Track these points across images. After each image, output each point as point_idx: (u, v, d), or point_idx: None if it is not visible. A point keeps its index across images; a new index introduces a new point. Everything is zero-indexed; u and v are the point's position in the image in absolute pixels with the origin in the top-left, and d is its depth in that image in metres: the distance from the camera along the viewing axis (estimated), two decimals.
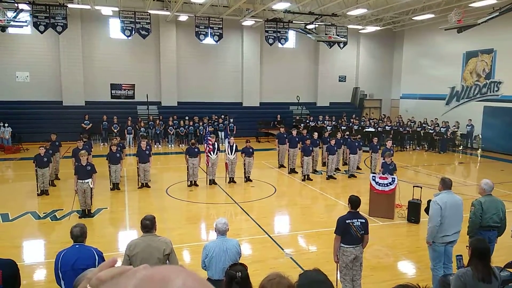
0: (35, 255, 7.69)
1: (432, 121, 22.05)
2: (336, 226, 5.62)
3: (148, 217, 4.72)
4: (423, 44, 25.48)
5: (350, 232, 5.51)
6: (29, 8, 17.67)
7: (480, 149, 20.59)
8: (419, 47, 26.00)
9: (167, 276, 0.61)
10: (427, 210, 6.64)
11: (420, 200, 9.29)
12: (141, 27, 18.99)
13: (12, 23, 17.01)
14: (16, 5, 17.12)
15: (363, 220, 5.61)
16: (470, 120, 21.18)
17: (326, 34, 21.73)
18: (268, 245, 8.07)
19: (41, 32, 18.08)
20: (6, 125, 19.27)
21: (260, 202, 11.37)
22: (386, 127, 22.34)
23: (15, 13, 17.21)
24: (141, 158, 12.35)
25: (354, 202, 5.71)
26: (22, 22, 17.53)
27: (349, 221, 5.54)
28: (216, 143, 13.21)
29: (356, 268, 5.61)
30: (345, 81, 28.94)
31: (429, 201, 6.54)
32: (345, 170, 15.16)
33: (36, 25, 17.61)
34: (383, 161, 11.24)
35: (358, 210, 5.73)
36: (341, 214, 5.99)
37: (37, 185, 11.42)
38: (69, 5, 18.47)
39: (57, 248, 5.02)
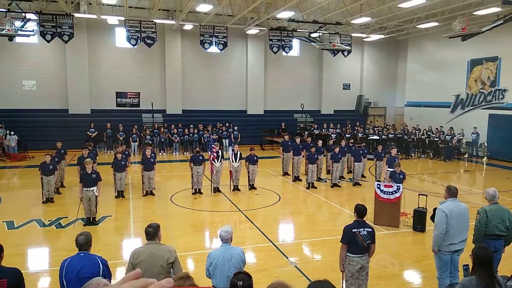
0: (39, 263, 7.71)
1: (437, 129, 21.98)
2: (343, 235, 5.56)
3: (152, 225, 4.73)
4: (427, 52, 25.49)
5: (356, 241, 5.45)
6: (36, 18, 17.89)
7: (485, 157, 20.46)
8: (423, 55, 26.01)
9: None
10: (433, 218, 6.60)
11: (426, 208, 9.23)
12: (146, 36, 19.15)
13: (19, 32, 17.20)
14: (23, 14, 17.33)
15: (370, 229, 5.55)
16: (475, 128, 21.08)
17: (330, 42, 21.80)
18: (273, 253, 8.03)
19: (48, 41, 18.26)
20: (12, 133, 19.41)
21: (264, 210, 11.34)
22: (390, 135, 22.29)
23: (23, 23, 17.42)
24: (145, 166, 12.38)
25: (360, 211, 5.66)
26: (29, 31, 17.73)
27: (355, 230, 5.48)
28: (220, 151, 13.22)
29: (362, 277, 5.55)
30: (349, 89, 28.97)
31: (435, 209, 6.50)
32: (349, 178, 15.11)
33: (43, 34, 17.80)
34: (392, 170, 11.19)
35: (364, 218, 5.69)
36: (346, 223, 5.96)
37: (42, 192, 11.47)
38: (76, 15, 18.67)
39: (62, 256, 5.03)
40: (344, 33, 22.60)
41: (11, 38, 17.49)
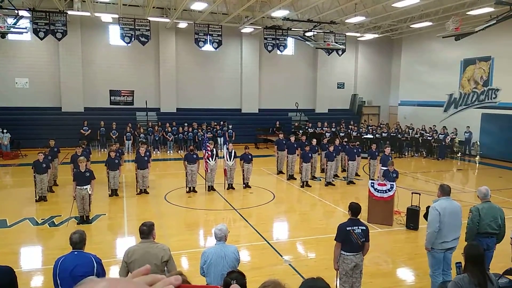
0: (33, 261, 7.65)
1: (431, 128, 22.12)
2: (337, 233, 5.59)
3: (146, 223, 4.72)
4: (421, 52, 25.63)
5: (350, 239, 5.47)
6: (29, 15, 17.75)
7: (478, 156, 20.63)
8: (417, 54, 26.14)
9: None
10: (426, 216, 6.65)
11: (419, 206, 9.29)
12: (140, 34, 19.06)
13: (12, 29, 17.05)
14: (16, 11, 17.18)
15: (364, 227, 5.58)
16: (468, 127, 21.24)
17: (324, 41, 21.84)
18: (267, 251, 8.05)
19: (41, 39, 18.13)
20: (5, 131, 19.25)
21: (258, 208, 11.35)
22: (384, 133, 22.39)
23: (15, 20, 17.27)
24: (139, 164, 12.34)
25: (354, 209, 5.68)
26: (22, 28, 17.58)
27: (349, 228, 5.50)
28: (214, 149, 13.21)
29: (356, 275, 5.58)
30: (343, 88, 29.05)
31: (428, 208, 6.55)
32: (343, 177, 15.16)
33: (36, 32, 17.67)
34: (386, 169, 11.25)
35: (358, 217, 5.72)
36: (340, 221, 5.99)
37: (35, 191, 11.39)
38: (69, 12, 18.54)
39: (55, 255, 5.00)
40: (339, 32, 22.65)
41: (3, 35, 17.34)
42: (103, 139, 21.20)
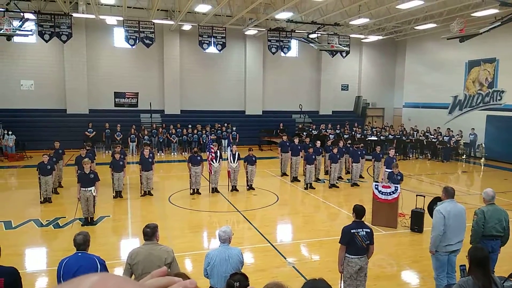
0: (37, 262, 7.70)
1: (435, 130, 22.03)
2: (341, 235, 5.56)
3: (150, 225, 4.73)
4: (425, 53, 25.55)
5: (355, 242, 5.44)
6: (35, 17, 17.87)
7: (483, 158, 20.52)
8: (421, 56, 26.07)
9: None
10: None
11: (423, 209, 9.25)
12: (145, 36, 19.13)
13: (17, 32, 17.18)
14: (21, 14, 17.31)
15: (369, 230, 5.55)
16: (473, 129, 21.14)
17: (328, 43, 21.83)
18: (271, 253, 8.04)
19: (46, 41, 18.24)
20: (10, 132, 19.36)
21: (262, 210, 11.34)
22: (389, 135, 22.32)
23: (21, 22, 17.40)
24: (144, 166, 12.37)
25: (358, 211, 5.65)
26: (28, 31, 17.71)
27: (354, 230, 5.47)
28: (218, 151, 13.22)
29: (360, 278, 5.55)
30: (347, 89, 29.00)
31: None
32: (347, 179, 15.12)
33: (41, 34, 17.78)
34: (390, 171, 11.20)
35: (362, 219, 5.69)
36: (344, 223, 5.97)
37: (40, 192, 11.44)
38: (74, 15, 18.64)
39: (59, 256, 5.02)
40: (343, 34, 22.64)
41: (9, 37, 17.48)
42: (108, 141, 21.28)
